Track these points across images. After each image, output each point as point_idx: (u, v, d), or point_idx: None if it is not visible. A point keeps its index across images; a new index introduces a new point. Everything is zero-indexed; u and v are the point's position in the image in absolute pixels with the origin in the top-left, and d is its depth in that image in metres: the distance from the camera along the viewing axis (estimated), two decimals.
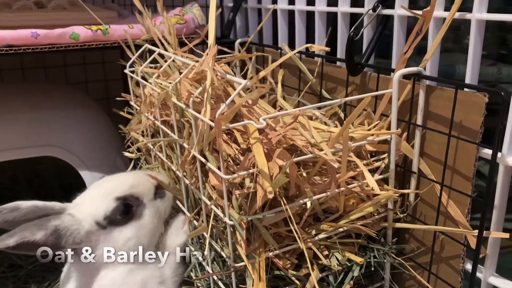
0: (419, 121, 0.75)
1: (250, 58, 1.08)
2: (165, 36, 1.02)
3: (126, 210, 0.79)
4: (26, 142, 1.10)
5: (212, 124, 0.62)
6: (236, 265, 0.68)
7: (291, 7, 1.09)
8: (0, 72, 1.58)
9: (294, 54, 0.90)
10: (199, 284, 0.84)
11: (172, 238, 0.88)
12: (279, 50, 1.05)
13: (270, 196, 0.58)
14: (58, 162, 1.18)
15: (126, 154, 1.03)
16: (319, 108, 0.84)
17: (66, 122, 1.14)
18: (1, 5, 1.14)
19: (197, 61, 0.78)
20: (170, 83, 0.82)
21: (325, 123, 0.73)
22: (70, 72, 1.70)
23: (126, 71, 0.99)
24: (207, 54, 0.68)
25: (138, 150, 1.07)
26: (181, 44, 1.04)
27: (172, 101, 0.74)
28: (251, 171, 0.63)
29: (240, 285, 0.70)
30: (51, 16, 1.10)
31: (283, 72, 0.96)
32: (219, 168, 0.65)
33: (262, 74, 0.78)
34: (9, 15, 1.07)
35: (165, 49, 0.98)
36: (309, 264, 0.66)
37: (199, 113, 0.67)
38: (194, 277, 0.83)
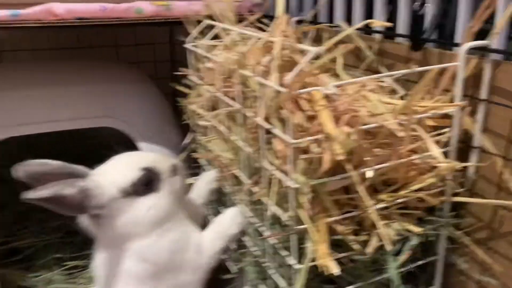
0: (483, 96, 0.75)
1: (305, 37, 1.09)
2: (224, 12, 1.04)
3: (147, 181, 0.82)
4: (87, 113, 1.16)
5: (282, 89, 0.65)
6: (298, 227, 0.70)
7: None
8: (57, 50, 1.67)
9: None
10: (252, 250, 0.88)
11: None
12: (334, 28, 1.06)
13: (340, 157, 0.60)
14: (107, 138, 1.23)
15: (202, 122, 1.02)
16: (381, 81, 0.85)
17: (125, 96, 1.20)
18: None
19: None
20: (235, 55, 0.85)
21: (393, 91, 0.73)
22: (121, 53, 1.78)
23: (187, 45, 1.03)
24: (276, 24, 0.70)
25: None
26: (239, 21, 1.07)
27: (239, 71, 0.76)
28: (318, 136, 0.65)
29: (300, 246, 0.72)
30: None
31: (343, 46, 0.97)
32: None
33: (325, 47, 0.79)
34: None
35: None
36: (379, 224, 0.67)
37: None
38: (252, 240, 0.86)
